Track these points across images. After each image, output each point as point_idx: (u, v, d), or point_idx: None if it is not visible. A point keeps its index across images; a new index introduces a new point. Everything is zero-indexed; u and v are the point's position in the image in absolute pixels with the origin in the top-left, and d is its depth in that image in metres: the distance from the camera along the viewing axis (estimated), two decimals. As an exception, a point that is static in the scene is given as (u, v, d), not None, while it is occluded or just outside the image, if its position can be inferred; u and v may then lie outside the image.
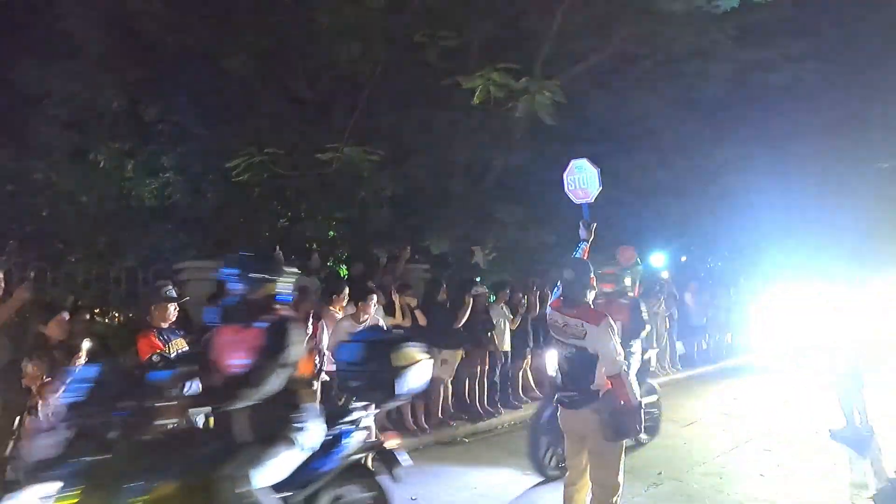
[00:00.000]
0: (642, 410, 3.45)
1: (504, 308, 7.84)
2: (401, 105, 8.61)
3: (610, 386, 3.35)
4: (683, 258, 16.06)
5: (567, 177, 4.48)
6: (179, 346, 4.40)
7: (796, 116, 13.89)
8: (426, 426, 6.75)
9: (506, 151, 9.14)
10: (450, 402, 7.31)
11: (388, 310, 6.56)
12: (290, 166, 7.82)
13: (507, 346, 7.75)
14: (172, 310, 4.43)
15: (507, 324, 7.78)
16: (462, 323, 7.02)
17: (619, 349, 3.38)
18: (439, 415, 7.03)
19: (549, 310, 3.70)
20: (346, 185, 8.39)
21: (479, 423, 7.21)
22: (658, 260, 12.86)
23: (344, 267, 9.00)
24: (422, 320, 6.78)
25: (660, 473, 5.29)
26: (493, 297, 8.15)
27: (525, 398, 8.26)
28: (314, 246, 8.47)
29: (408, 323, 6.62)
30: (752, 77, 10.50)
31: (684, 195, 13.10)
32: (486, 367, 7.56)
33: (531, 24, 8.22)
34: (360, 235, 8.96)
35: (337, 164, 6.99)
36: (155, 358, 4.16)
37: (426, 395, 6.78)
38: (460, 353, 7.06)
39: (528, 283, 9.00)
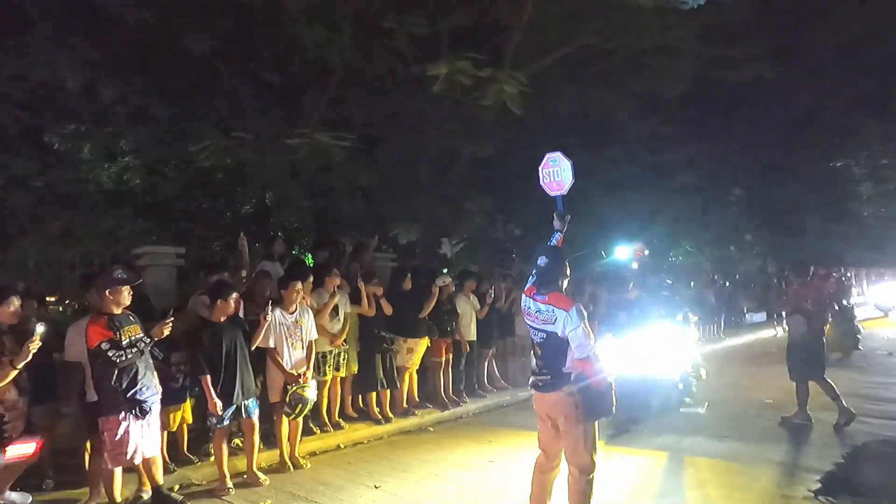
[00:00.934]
0: (613, 391, 3.56)
1: (471, 298, 7.85)
2: (370, 93, 8.51)
3: (582, 369, 3.43)
4: (646, 252, 16.39)
5: (542, 169, 4.54)
6: (133, 332, 4.24)
7: (755, 116, 14.35)
8: (391, 415, 6.73)
9: (474, 142, 9.13)
10: (415, 390, 7.31)
11: (354, 298, 6.50)
12: (255, 152, 7.65)
13: (472, 336, 7.77)
14: (126, 294, 4.26)
15: (474, 314, 7.80)
16: (427, 312, 7.01)
17: (590, 332, 3.45)
18: (404, 404, 7.02)
19: (522, 297, 3.78)
20: (315, 174, 8.26)
21: (445, 412, 7.23)
22: (622, 253, 13.09)
23: (310, 255, 8.86)
24: (387, 310, 6.75)
25: (622, 458, 5.39)
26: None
27: (490, 388, 8.31)
28: (280, 234, 8.30)
29: (372, 312, 6.58)
30: (715, 74, 10.73)
31: (650, 189, 13.38)
32: (452, 356, 7.58)
33: (502, 16, 8.21)
34: (326, 224, 8.84)
35: (306, 151, 6.85)
36: (104, 346, 4.08)
37: (391, 383, 6.79)
38: (425, 341, 7.05)
39: (494, 273, 9.04)
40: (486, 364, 8.39)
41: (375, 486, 4.85)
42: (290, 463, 5.29)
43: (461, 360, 7.72)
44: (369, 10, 7.02)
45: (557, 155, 4.51)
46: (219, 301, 4.87)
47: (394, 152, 9.29)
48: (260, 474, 5.01)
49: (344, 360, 6.40)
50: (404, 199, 9.31)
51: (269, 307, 5.10)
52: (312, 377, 5.45)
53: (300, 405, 5.17)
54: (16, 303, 4.22)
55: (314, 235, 9.35)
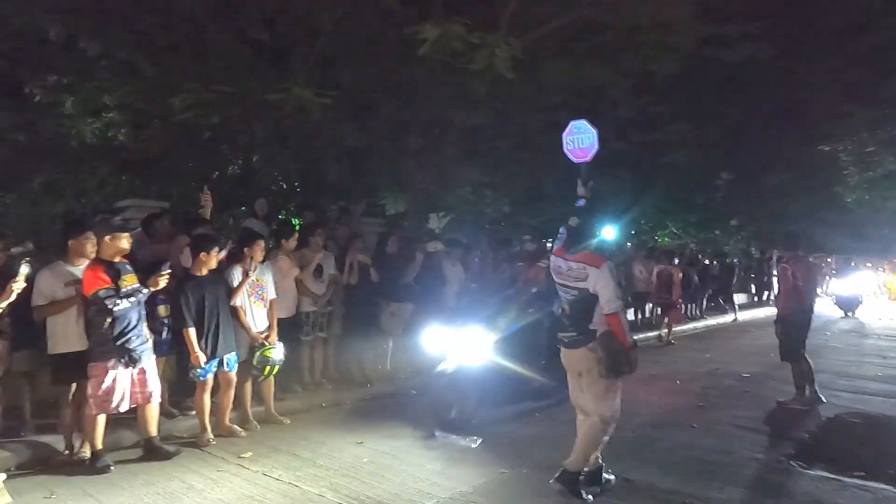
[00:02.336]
0: (636, 350, 3.73)
1: (458, 266, 7.86)
2: (360, 57, 8.37)
3: (609, 324, 3.60)
4: (633, 232, 16.52)
5: (566, 137, 4.61)
6: (131, 281, 4.23)
7: (746, 99, 14.36)
8: (373, 377, 6.76)
9: (466, 111, 9.05)
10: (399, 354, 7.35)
11: (340, 263, 6.50)
12: (242, 111, 7.52)
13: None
14: (126, 241, 4.25)
15: (460, 282, 7.82)
16: (411, 277, 7.02)
17: (619, 291, 3.61)
18: (388, 366, 7.06)
19: (551, 257, 3.88)
20: (303, 135, 8.15)
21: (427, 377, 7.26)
22: (608, 233, 13.12)
23: (296, 219, 8.81)
24: (374, 277, 6.71)
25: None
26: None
27: (474, 356, 8.36)
28: (265, 195, 8.22)
29: (354, 280, 6.56)
30: (708, 52, 10.67)
31: (638, 168, 13.41)
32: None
33: (497, -19, 8.08)
34: (313, 188, 8.76)
35: (289, 107, 6.73)
36: (101, 293, 4.05)
37: (373, 347, 6.82)
38: (410, 306, 7.07)
39: (483, 244, 9.05)
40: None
41: (358, 443, 4.89)
42: (255, 423, 5.23)
43: (446, 326, 7.75)
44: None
45: (583, 122, 4.60)
46: (201, 254, 4.84)
47: (384, 119, 9.18)
48: (236, 427, 5.03)
49: (327, 321, 6.40)
50: (393, 167, 9.23)
51: (246, 263, 5.06)
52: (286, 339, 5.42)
53: (267, 367, 5.17)
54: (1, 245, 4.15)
55: (301, 199, 9.28)
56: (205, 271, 4.86)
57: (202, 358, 4.70)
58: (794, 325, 6.42)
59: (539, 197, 13.05)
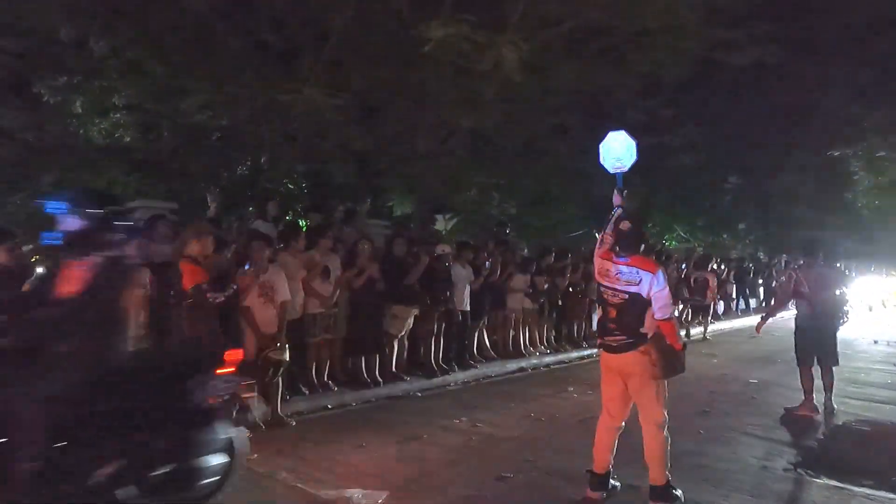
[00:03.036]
0: (685, 352, 3.80)
1: (466, 268, 7.86)
2: (369, 59, 8.38)
3: (661, 328, 3.66)
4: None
5: (603, 146, 4.60)
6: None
7: (755, 103, 14.30)
8: (379, 379, 6.76)
9: (474, 114, 9.05)
10: (405, 357, 7.35)
11: (347, 263, 6.50)
12: (251, 113, 7.55)
13: (465, 306, 7.80)
14: (210, 244, 4.61)
15: (468, 284, 7.82)
16: (414, 280, 7.00)
17: (671, 296, 3.70)
18: (393, 369, 7.06)
19: (598, 261, 3.86)
20: (311, 136, 8.17)
21: (434, 380, 7.27)
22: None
23: (303, 220, 8.83)
24: (379, 286, 6.70)
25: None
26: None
27: (480, 358, 8.36)
28: (275, 197, 8.24)
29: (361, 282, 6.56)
30: (717, 56, 10.62)
31: (646, 171, 13.36)
32: (443, 325, 7.61)
33: (506, -16, 8.06)
34: (320, 189, 8.78)
35: (299, 110, 6.75)
36: (205, 286, 4.46)
37: (380, 348, 6.82)
38: (414, 309, 7.05)
39: (490, 246, 9.04)
40: (476, 334, 8.43)
41: (361, 445, 4.88)
42: (261, 424, 5.19)
43: (452, 329, 7.75)
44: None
45: (622, 133, 4.60)
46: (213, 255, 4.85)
47: (392, 121, 9.19)
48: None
49: (334, 322, 6.41)
50: (400, 169, 9.24)
51: (261, 265, 5.09)
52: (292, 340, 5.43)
53: (272, 368, 5.16)
54: (11, 245, 4.18)
55: (308, 200, 9.30)
56: (214, 273, 4.87)
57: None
58: (802, 330, 6.40)
59: (546, 199, 13.04)
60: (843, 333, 6.77)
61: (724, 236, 18.57)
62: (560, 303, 9.90)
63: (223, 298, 4.62)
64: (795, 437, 5.40)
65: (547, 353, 9.48)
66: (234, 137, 8.07)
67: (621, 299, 3.71)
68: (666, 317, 3.64)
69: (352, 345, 6.65)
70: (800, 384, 6.36)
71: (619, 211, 4.03)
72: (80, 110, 8.07)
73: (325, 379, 6.43)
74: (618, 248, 3.78)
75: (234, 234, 6.35)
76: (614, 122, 11.92)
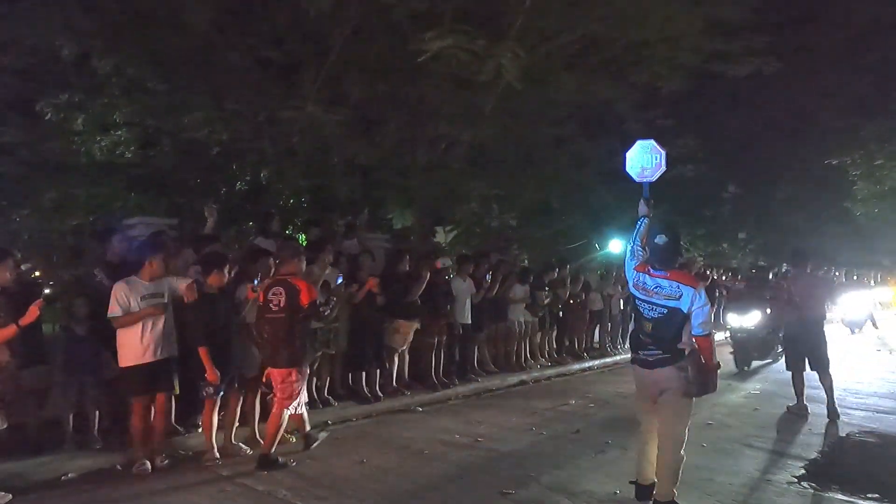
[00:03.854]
0: (718, 371, 3.77)
1: (467, 281, 7.85)
2: (369, 73, 8.44)
3: (699, 345, 3.63)
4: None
5: (629, 155, 4.60)
6: None
7: (753, 113, 14.37)
8: (380, 393, 6.73)
9: (473, 127, 9.09)
10: (405, 371, 7.32)
11: (348, 278, 6.50)
12: (252, 129, 7.59)
13: (466, 319, 7.78)
14: (303, 265, 4.95)
15: (469, 297, 7.81)
16: (417, 295, 6.99)
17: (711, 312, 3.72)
18: (394, 383, 7.03)
19: (634, 273, 3.80)
20: (311, 153, 8.20)
21: (435, 394, 7.24)
22: (616, 246, 13.12)
23: (303, 235, 8.85)
24: (380, 300, 6.68)
25: (608, 442, 5.42)
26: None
27: (481, 371, 8.33)
28: (273, 211, 8.25)
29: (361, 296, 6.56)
30: (715, 67, 10.68)
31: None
32: (444, 338, 7.59)
33: (505, -2, 8.13)
34: (321, 204, 8.80)
35: (300, 126, 6.79)
36: (320, 301, 5.08)
37: (381, 363, 6.80)
38: (415, 324, 7.04)
39: (491, 259, 9.04)
40: (476, 348, 8.41)
41: (362, 461, 4.85)
42: (260, 440, 5.16)
43: (453, 342, 7.73)
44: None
45: (650, 142, 4.60)
46: (214, 271, 4.85)
47: (391, 135, 9.23)
48: (241, 445, 5.01)
49: (334, 337, 6.39)
50: (400, 182, 9.27)
51: (257, 282, 5.09)
52: None
53: None
54: (10, 265, 4.19)
55: (308, 214, 9.32)
56: (215, 288, 4.87)
57: (217, 375, 4.70)
58: (792, 338, 6.66)
59: (546, 210, 13.05)
60: (847, 342, 6.84)
61: (724, 245, 18.55)
62: (561, 315, 9.88)
63: (330, 311, 5.43)
64: (799, 449, 5.37)
65: (548, 366, 9.45)
66: (234, 153, 8.10)
67: (659, 313, 3.65)
68: (706, 333, 3.60)
69: (352, 359, 6.63)
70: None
71: (646, 221, 4.04)
72: (81, 127, 8.11)
73: (326, 394, 6.41)
74: (655, 262, 3.73)
75: (238, 251, 6.36)
76: (613, 134, 12.08)
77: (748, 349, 9.60)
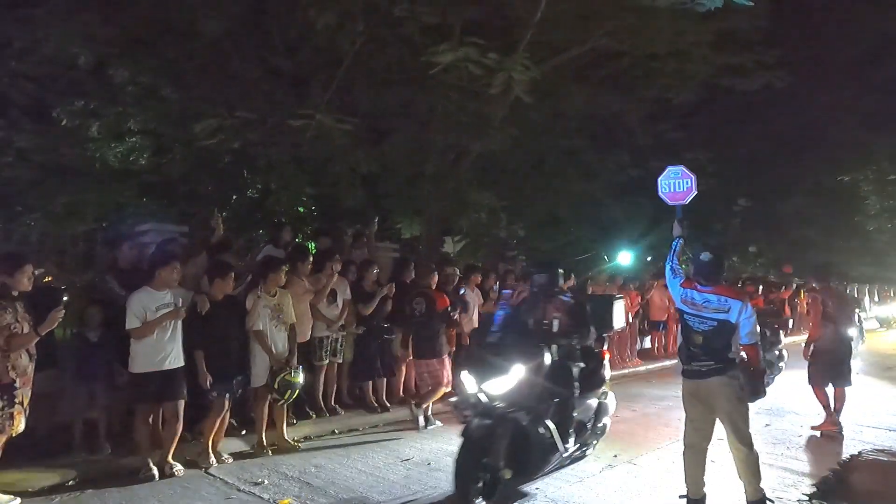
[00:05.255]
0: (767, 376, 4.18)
1: (475, 292, 7.85)
2: (379, 84, 8.50)
3: (746, 354, 3.96)
4: (649, 259, 16.38)
5: (661, 180, 5.14)
6: None
7: (764, 127, 14.32)
8: (387, 403, 6.72)
9: (482, 138, 9.11)
10: (413, 381, 7.30)
11: (357, 290, 6.52)
12: (262, 137, 7.64)
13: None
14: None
15: (477, 307, 7.80)
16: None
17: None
18: (401, 393, 7.02)
19: (680, 290, 4.07)
20: (320, 160, 8.26)
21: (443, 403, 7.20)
22: (625, 258, 13.08)
23: (313, 244, 8.89)
24: (388, 306, 6.72)
25: (615, 456, 5.38)
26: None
27: (487, 382, 8.28)
28: (283, 220, 8.32)
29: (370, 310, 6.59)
30: (725, 81, 10.69)
31: (656, 195, 13.32)
32: (453, 349, 7.56)
33: (514, 11, 8.19)
34: (330, 212, 8.83)
35: (310, 134, 6.84)
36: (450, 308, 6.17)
37: (389, 372, 6.79)
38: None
39: (499, 270, 9.03)
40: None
41: (368, 471, 4.84)
42: (269, 448, 5.23)
43: (461, 352, 7.70)
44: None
45: (680, 168, 5.19)
46: (217, 279, 4.89)
47: (401, 144, 9.28)
48: (224, 454, 5.01)
49: (341, 346, 6.40)
50: (409, 191, 9.30)
51: (259, 289, 5.13)
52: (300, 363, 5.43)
53: (289, 391, 5.16)
54: (30, 270, 4.23)
55: (317, 223, 9.37)
56: (220, 296, 4.90)
57: (209, 380, 4.73)
58: (826, 354, 6.42)
59: (554, 221, 13.03)
60: (862, 358, 6.79)
61: (735, 259, 18.42)
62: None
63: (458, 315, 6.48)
64: (810, 467, 5.30)
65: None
66: (245, 161, 8.17)
67: (709, 326, 3.91)
68: (753, 342, 3.91)
69: (360, 369, 6.63)
70: (813, 407, 6.44)
71: (681, 241, 4.43)
72: (96, 134, 8.21)
73: (332, 403, 6.41)
74: (701, 278, 4.02)
75: (249, 260, 6.42)
76: (623, 146, 12.08)
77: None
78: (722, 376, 3.87)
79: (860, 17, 13.34)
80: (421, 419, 6.04)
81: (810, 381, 6.57)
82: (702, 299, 3.95)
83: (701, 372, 3.94)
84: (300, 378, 5.21)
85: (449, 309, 6.20)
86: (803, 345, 6.76)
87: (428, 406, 6.16)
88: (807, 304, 7.00)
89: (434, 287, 6.54)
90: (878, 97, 14.07)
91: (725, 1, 7.11)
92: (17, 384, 3.90)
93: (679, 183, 5.06)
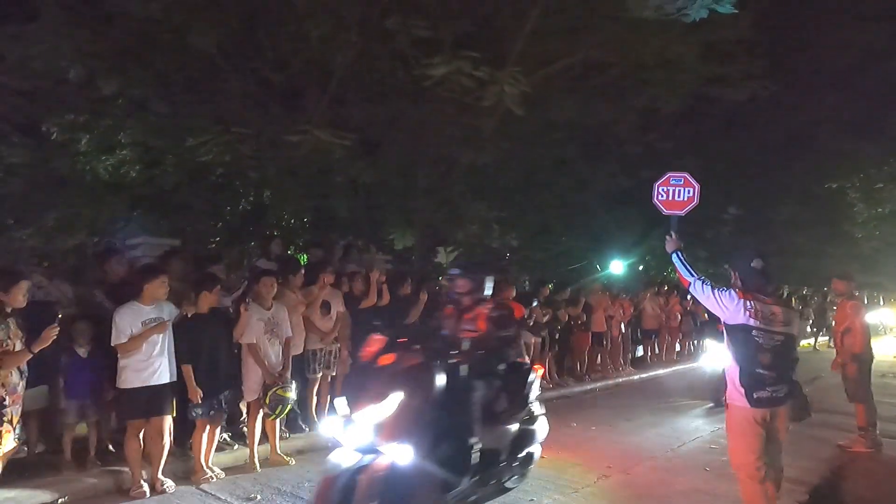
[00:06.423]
0: None
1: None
2: (371, 96, 8.54)
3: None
4: (640, 268, 16.45)
5: (659, 186, 4.60)
6: None
7: (751, 135, 14.46)
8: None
9: (474, 149, 9.16)
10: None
11: (349, 299, 6.51)
12: (255, 149, 7.65)
13: (465, 341, 7.75)
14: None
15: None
16: (416, 318, 6.98)
17: None
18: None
19: (740, 301, 3.51)
20: (313, 173, 8.27)
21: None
22: (617, 267, 13.14)
23: (304, 256, 8.87)
24: (386, 297, 6.73)
25: (609, 466, 5.38)
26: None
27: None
28: (275, 232, 8.31)
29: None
30: (712, 91, 10.84)
31: (646, 204, 13.41)
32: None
33: (504, 24, 8.28)
34: (323, 224, 8.83)
35: (306, 149, 6.86)
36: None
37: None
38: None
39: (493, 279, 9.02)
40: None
41: (362, 485, 4.80)
42: (257, 463, 5.18)
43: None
44: (373, 9, 7.05)
45: (683, 175, 4.59)
46: (203, 292, 4.87)
47: (393, 156, 9.31)
48: (215, 468, 4.96)
49: (335, 358, 6.38)
50: (401, 203, 9.32)
51: (248, 301, 5.11)
52: (292, 378, 5.40)
53: (280, 406, 5.13)
54: (25, 286, 4.19)
55: (310, 235, 9.36)
56: (205, 309, 4.88)
57: (199, 394, 4.70)
58: (865, 363, 6.28)
59: (547, 231, 13.09)
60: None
61: (726, 266, 18.50)
62: (558, 335, 9.85)
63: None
64: (804, 474, 5.30)
65: (549, 388, 9.39)
66: (236, 173, 8.17)
67: (778, 341, 3.46)
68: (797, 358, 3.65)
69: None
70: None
71: (681, 253, 3.95)
72: (86, 148, 8.18)
73: (326, 416, 6.36)
74: (757, 288, 3.56)
75: (240, 272, 6.41)
76: (613, 156, 12.17)
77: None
78: (790, 398, 3.56)
79: (845, 28, 13.55)
80: None
81: (856, 398, 6.24)
82: (769, 311, 3.49)
83: (779, 399, 3.49)
84: (292, 393, 5.18)
85: (525, 317, 7.12)
86: (840, 358, 6.38)
87: None
88: (845, 312, 6.36)
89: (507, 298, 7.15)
90: (863, 105, 14.25)
91: (710, 10, 7.23)
92: (7, 402, 3.85)
93: (680, 191, 4.51)
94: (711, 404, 8.05)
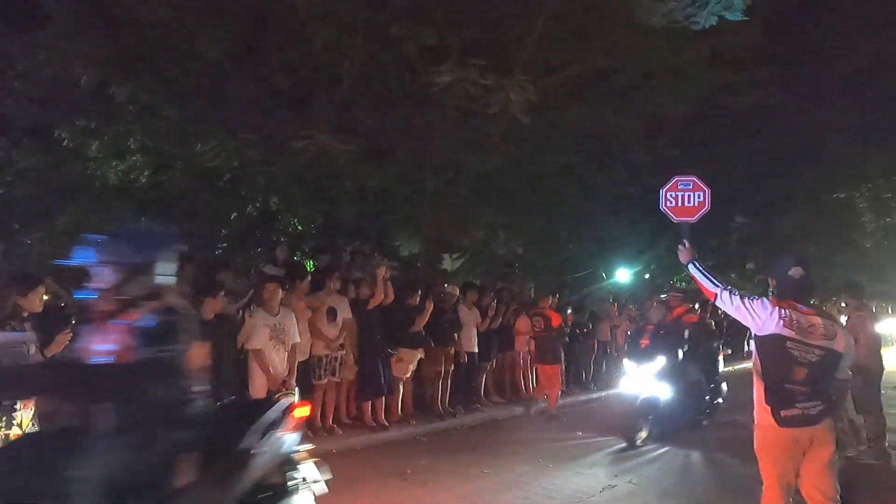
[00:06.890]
0: None
1: (472, 310, 7.85)
2: (378, 103, 8.58)
3: (839, 390, 3.35)
4: (647, 276, 16.38)
5: (668, 193, 4.31)
6: None
7: (759, 144, 14.42)
8: (386, 422, 6.68)
9: (480, 155, 9.18)
10: (410, 400, 7.28)
11: (355, 306, 6.52)
12: (263, 155, 7.70)
13: (472, 348, 7.76)
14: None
15: (475, 326, 7.79)
16: (421, 326, 6.98)
17: None
18: (398, 412, 6.98)
19: (774, 310, 3.23)
20: (320, 178, 8.31)
21: (440, 424, 7.18)
22: (623, 275, 13.09)
23: (311, 262, 8.90)
24: (390, 296, 6.75)
25: (616, 475, 5.35)
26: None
27: (487, 401, 8.26)
28: (282, 238, 8.33)
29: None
30: (720, 99, 10.81)
31: (653, 211, 13.36)
32: (451, 367, 7.55)
33: (512, 30, 8.30)
34: (329, 230, 8.86)
35: (311, 155, 6.90)
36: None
37: (387, 391, 6.76)
38: (419, 353, 7.02)
39: (496, 287, 9.03)
40: (483, 377, 8.35)
41: (365, 491, 4.79)
42: None
43: (459, 371, 7.69)
44: (380, 16, 7.09)
45: (691, 179, 4.32)
46: (207, 298, 4.89)
47: (399, 162, 9.35)
48: None
49: (341, 365, 6.38)
50: (408, 209, 9.34)
51: (252, 307, 5.13)
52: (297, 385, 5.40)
53: None
54: (42, 292, 4.24)
55: (317, 241, 9.39)
56: (210, 315, 4.90)
57: None
58: (875, 375, 6.14)
59: (552, 238, 13.06)
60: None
61: (733, 275, 18.40)
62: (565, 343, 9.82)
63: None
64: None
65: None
66: (244, 179, 8.22)
67: (816, 356, 3.14)
68: (847, 377, 3.41)
69: (360, 389, 6.61)
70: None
71: (696, 263, 3.69)
72: (97, 153, 8.25)
73: (331, 422, 6.37)
74: (796, 297, 3.27)
75: (248, 278, 6.44)
76: (620, 162, 12.15)
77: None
78: (829, 419, 3.19)
79: (854, 36, 13.52)
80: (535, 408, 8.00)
81: (863, 409, 6.04)
82: (808, 322, 3.18)
83: (811, 416, 3.12)
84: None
85: (563, 325, 8.22)
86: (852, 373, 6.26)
87: (554, 403, 8.02)
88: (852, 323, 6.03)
89: (547, 308, 8.22)
90: (871, 114, 14.19)
91: (720, 18, 7.23)
92: (18, 406, 3.87)
93: (689, 196, 4.23)
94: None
